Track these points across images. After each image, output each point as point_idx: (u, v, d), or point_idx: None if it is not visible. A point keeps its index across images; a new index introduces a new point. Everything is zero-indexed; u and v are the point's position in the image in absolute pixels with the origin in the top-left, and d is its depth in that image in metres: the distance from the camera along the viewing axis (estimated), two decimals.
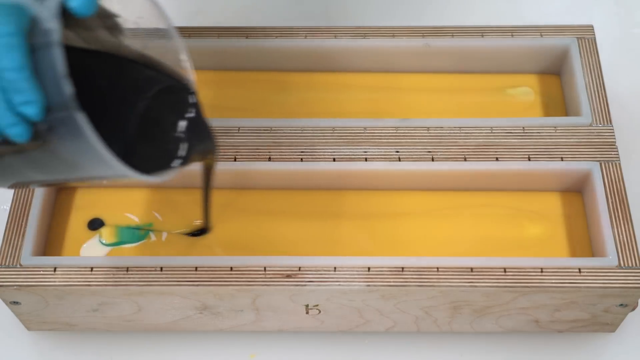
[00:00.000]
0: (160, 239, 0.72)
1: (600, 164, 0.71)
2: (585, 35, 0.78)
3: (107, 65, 0.58)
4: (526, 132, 0.73)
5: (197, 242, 0.71)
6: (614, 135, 0.73)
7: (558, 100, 0.79)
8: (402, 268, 0.66)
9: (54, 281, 0.66)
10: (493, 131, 0.73)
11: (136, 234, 0.72)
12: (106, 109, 0.57)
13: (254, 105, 0.79)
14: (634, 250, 0.67)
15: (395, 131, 0.73)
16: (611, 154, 0.72)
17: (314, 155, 0.72)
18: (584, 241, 0.71)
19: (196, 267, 0.67)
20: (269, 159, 0.72)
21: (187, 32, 0.79)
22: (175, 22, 0.80)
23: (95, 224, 0.72)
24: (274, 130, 0.73)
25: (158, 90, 0.59)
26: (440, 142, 0.73)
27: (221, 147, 0.72)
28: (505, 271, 0.66)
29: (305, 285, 0.66)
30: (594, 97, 0.75)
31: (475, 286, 0.66)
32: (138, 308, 0.69)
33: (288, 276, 0.66)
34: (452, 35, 0.79)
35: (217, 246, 0.71)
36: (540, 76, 0.81)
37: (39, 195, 0.70)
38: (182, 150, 0.59)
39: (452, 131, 0.73)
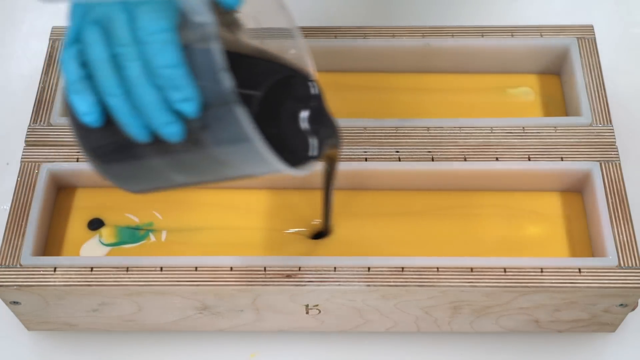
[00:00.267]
0: (160, 239, 0.72)
1: (600, 164, 0.71)
2: (585, 35, 0.78)
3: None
4: (526, 132, 0.73)
5: (197, 242, 0.71)
6: (614, 135, 0.73)
7: (558, 100, 0.79)
8: (402, 268, 0.66)
9: (54, 281, 0.66)
10: (493, 131, 0.73)
11: (136, 234, 0.72)
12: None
13: None
14: (634, 250, 0.67)
15: (395, 131, 0.73)
16: (611, 154, 0.72)
17: None
18: (584, 241, 0.71)
19: (196, 267, 0.67)
20: None
21: None
22: None
23: (95, 224, 0.72)
24: None
25: (277, 82, 0.57)
26: (440, 142, 0.73)
27: None
28: (505, 271, 0.66)
29: (305, 285, 0.66)
30: (594, 97, 0.75)
31: (475, 286, 0.66)
32: (138, 308, 0.69)
33: (288, 276, 0.66)
34: (452, 35, 0.78)
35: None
36: (540, 76, 0.81)
37: (39, 195, 0.70)
38: (313, 142, 0.57)
39: (452, 131, 0.73)
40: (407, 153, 0.72)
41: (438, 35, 0.79)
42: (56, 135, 0.73)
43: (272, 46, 0.57)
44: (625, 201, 0.69)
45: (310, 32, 0.79)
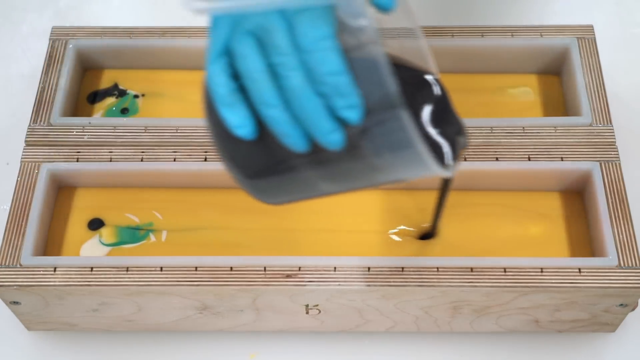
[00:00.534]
0: (160, 239, 0.72)
1: (600, 164, 0.71)
2: (585, 35, 0.78)
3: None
4: (526, 132, 0.73)
5: (197, 242, 0.71)
6: (614, 135, 0.73)
7: (558, 100, 0.79)
8: (402, 268, 0.66)
9: (54, 281, 0.66)
10: (493, 131, 0.73)
11: (136, 234, 0.72)
12: None
13: None
14: (634, 250, 0.67)
15: None
16: (611, 154, 0.72)
17: None
18: (584, 241, 0.71)
19: (196, 267, 0.67)
20: None
21: (187, 32, 0.79)
22: (175, 22, 0.80)
23: (95, 224, 0.72)
24: None
25: (411, 83, 0.56)
26: None
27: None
28: (505, 271, 0.66)
29: (305, 285, 0.66)
30: (594, 97, 0.75)
31: (475, 286, 0.66)
32: (138, 308, 0.69)
33: (288, 276, 0.66)
34: (452, 35, 0.78)
35: None
36: (540, 76, 0.81)
37: (39, 195, 0.70)
38: (453, 142, 0.56)
39: None
40: None
41: (438, 35, 0.78)
42: (56, 135, 0.73)
43: (393, 46, 0.56)
44: (625, 201, 0.69)
45: None
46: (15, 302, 0.68)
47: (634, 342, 0.74)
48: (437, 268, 0.66)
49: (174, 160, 0.72)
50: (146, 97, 0.79)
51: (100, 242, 0.71)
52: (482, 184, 0.73)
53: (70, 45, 0.78)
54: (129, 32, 0.79)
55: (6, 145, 0.84)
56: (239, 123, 0.49)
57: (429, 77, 0.57)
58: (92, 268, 0.67)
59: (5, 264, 0.67)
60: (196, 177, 0.73)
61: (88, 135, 0.74)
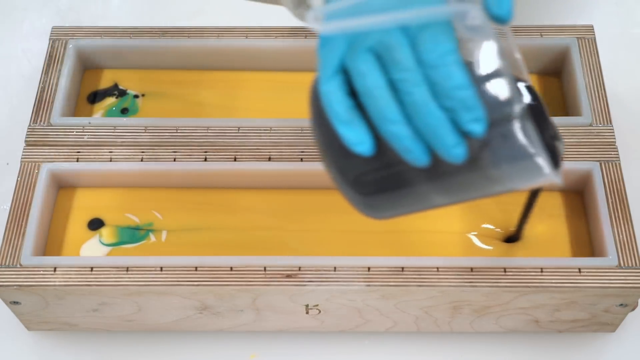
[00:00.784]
0: (160, 239, 0.72)
1: (600, 164, 0.71)
2: (585, 35, 0.78)
3: None
4: None
5: (196, 242, 0.71)
6: (614, 135, 0.73)
7: (558, 100, 0.79)
8: (402, 268, 0.66)
9: (54, 281, 0.66)
10: None
11: (136, 234, 0.72)
12: None
13: (254, 105, 0.79)
14: (634, 250, 0.67)
15: None
16: (611, 154, 0.72)
17: (314, 155, 0.72)
18: (584, 241, 0.71)
19: (196, 267, 0.66)
20: (269, 159, 0.72)
21: (187, 32, 0.79)
22: (175, 22, 0.80)
23: (95, 224, 0.72)
24: (274, 130, 0.73)
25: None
26: None
27: (223, 147, 0.72)
28: (505, 271, 0.66)
29: (305, 285, 0.66)
30: (594, 97, 0.75)
31: (475, 286, 0.66)
32: (138, 308, 0.69)
33: (288, 276, 0.66)
34: None
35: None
36: (540, 76, 0.81)
37: (39, 195, 0.70)
38: (557, 148, 0.57)
39: None
40: None
41: None
42: (56, 135, 0.73)
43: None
44: (625, 201, 0.69)
45: (311, 32, 0.78)
46: (15, 302, 0.68)
47: (634, 342, 0.74)
48: (437, 268, 0.66)
49: (174, 160, 0.72)
50: (146, 97, 0.79)
51: (100, 242, 0.71)
52: None
53: (70, 45, 0.78)
54: (129, 32, 0.79)
55: (6, 145, 0.84)
56: (358, 140, 0.49)
57: (524, 84, 0.57)
58: (92, 268, 0.67)
59: (5, 264, 0.67)
60: (196, 177, 0.73)
61: (88, 135, 0.74)
